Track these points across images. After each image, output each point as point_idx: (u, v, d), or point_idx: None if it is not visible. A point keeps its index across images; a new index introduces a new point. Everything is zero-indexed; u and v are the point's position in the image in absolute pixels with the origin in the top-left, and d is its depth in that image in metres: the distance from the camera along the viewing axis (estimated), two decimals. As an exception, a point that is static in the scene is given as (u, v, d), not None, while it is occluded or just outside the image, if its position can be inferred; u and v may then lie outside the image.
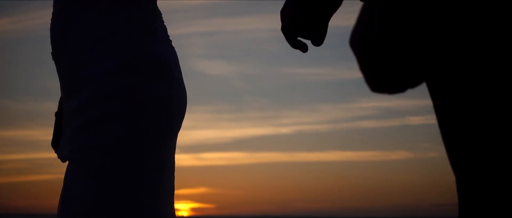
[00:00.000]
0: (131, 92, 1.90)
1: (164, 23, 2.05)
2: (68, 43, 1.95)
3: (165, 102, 1.94)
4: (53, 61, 2.03)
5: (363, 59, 1.05)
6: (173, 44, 2.03)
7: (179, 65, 2.02)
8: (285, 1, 1.44)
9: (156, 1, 2.03)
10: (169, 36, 2.05)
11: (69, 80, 1.97)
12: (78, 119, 1.94)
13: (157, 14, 2.02)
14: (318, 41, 1.45)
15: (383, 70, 1.04)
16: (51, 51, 2.02)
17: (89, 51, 1.92)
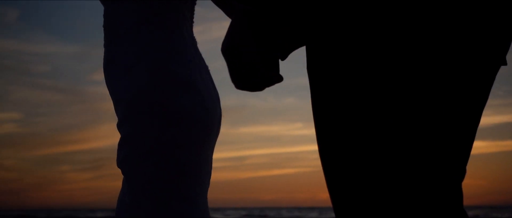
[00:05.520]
0: (158, 108, 2.17)
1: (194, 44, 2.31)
2: (109, 71, 2.27)
3: (192, 115, 2.19)
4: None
5: (228, 63, 1.41)
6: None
7: (206, 79, 2.26)
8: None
9: (183, 28, 2.28)
10: (196, 55, 2.29)
11: (113, 101, 2.27)
12: (121, 134, 2.26)
13: (183, 38, 2.27)
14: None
15: (241, 72, 1.40)
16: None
17: (123, 77, 2.22)
